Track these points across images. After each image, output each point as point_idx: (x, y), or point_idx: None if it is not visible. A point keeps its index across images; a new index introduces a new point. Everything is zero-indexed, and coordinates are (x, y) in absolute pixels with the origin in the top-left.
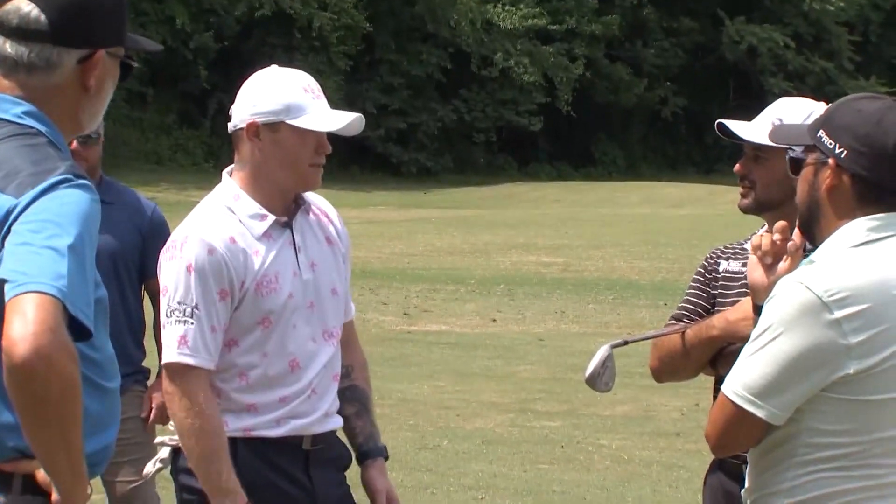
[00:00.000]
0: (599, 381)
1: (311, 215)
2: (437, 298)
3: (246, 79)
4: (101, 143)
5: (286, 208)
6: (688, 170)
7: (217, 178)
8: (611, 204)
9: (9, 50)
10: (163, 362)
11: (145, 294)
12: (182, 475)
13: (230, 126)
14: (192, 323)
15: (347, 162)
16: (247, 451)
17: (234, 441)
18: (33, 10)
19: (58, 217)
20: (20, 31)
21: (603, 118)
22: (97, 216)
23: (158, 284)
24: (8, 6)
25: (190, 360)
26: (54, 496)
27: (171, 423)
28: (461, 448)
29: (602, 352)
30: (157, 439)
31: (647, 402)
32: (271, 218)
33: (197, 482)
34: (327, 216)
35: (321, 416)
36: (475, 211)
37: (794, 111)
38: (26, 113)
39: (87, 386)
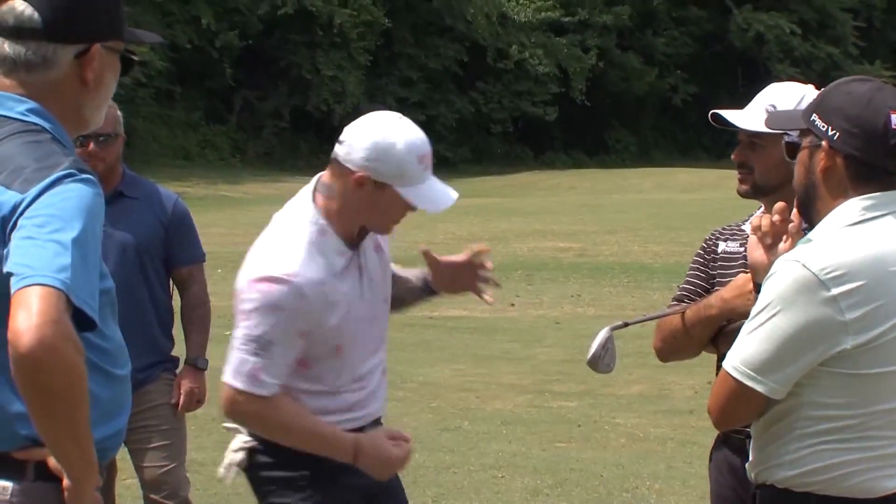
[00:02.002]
0: (601, 362)
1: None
2: None
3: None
4: (122, 140)
5: (356, 235)
6: (699, 155)
7: (244, 173)
8: (625, 190)
9: (7, 50)
10: (228, 383)
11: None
12: (266, 470)
13: (340, 155)
14: (267, 359)
15: None
16: None
17: None
18: (27, 9)
19: (62, 211)
20: (16, 31)
21: (616, 107)
22: (101, 209)
23: (184, 273)
24: (3, 7)
25: (259, 392)
26: (66, 482)
27: (229, 424)
28: (481, 429)
29: (603, 334)
30: (234, 445)
31: (662, 382)
32: (350, 254)
33: (285, 472)
34: None
35: (375, 409)
36: (493, 199)
37: (786, 96)
38: (30, 110)
39: (97, 374)
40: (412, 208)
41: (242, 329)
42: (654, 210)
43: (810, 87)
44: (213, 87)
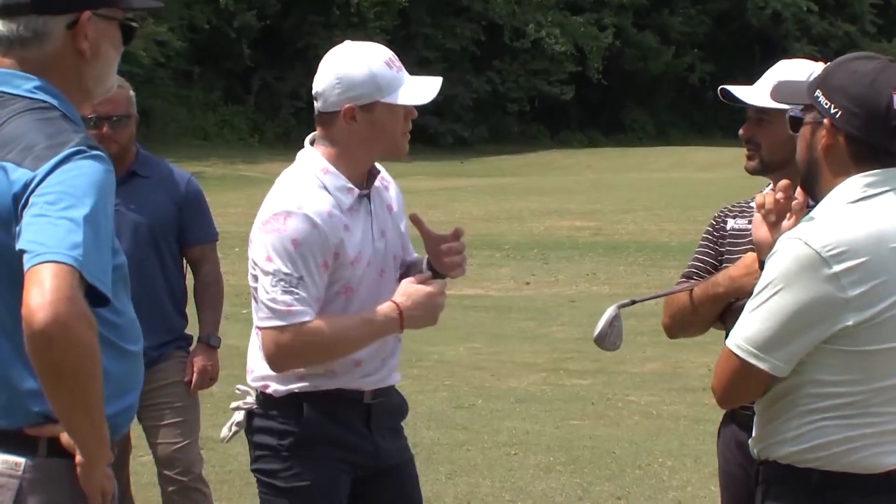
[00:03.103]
0: (607, 340)
1: (379, 184)
2: (474, 264)
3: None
4: (135, 120)
5: (362, 178)
6: (715, 134)
7: (262, 153)
8: (641, 169)
9: (1, 29)
10: (267, 326)
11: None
12: (257, 435)
13: (319, 108)
14: (298, 293)
15: None
16: (310, 405)
17: (297, 396)
18: None
19: (73, 188)
20: (5, 8)
21: (632, 86)
22: (112, 185)
23: (197, 252)
24: None
25: (300, 319)
26: (78, 457)
27: (240, 386)
28: (495, 406)
29: (609, 312)
30: (233, 404)
31: (676, 360)
32: (356, 191)
33: (272, 439)
34: (385, 183)
35: (385, 373)
36: (510, 179)
37: (795, 73)
38: (38, 88)
39: (109, 349)
40: (410, 113)
41: (266, 274)
42: (670, 189)
43: (820, 64)
44: (231, 67)
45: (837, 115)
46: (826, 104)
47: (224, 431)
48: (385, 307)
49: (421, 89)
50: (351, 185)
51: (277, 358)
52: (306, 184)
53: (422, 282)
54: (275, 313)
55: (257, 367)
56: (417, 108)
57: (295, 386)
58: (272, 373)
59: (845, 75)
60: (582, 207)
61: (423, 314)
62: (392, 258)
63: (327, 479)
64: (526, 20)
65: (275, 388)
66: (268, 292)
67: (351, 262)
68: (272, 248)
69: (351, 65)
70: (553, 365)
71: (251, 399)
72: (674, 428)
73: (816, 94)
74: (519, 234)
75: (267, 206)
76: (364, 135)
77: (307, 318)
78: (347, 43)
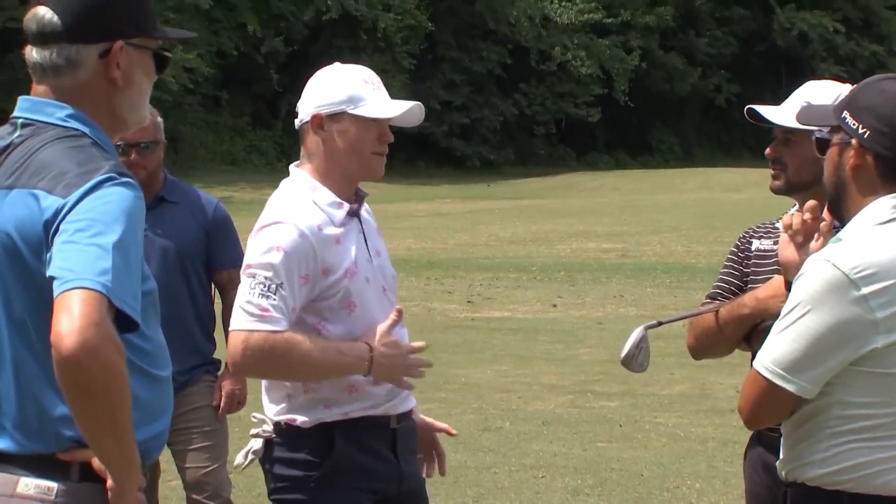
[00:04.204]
0: (634, 361)
1: (365, 211)
2: (500, 286)
3: None
4: (163, 146)
5: (350, 198)
6: (743, 154)
7: None
8: (668, 190)
9: (35, 56)
10: (238, 327)
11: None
12: (276, 465)
13: (297, 122)
14: (275, 300)
15: (413, 157)
16: (340, 435)
17: (327, 426)
18: (47, 13)
19: (102, 215)
20: (40, 36)
21: (659, 107)
22: (142, 212)
23: (224, 277)
24: (28, 15)
25: (273, 327)
26: (109, 482)
27: (256, 414)
28: (522, 429)
29: (637, 333)
30: (252, 431)
31: (703, 381)
32: (346, 206)
33: (297, 471)
34: (368, 210)
35: (406, 394)
36: (536, 201)
37: (822, 94)
38: (70, 116)
39: (138, 375)
40: (383, 134)
41: (247, 277)
42: (697, 210)
43: (847, 86)
44: (259, 92)
45: (866, 136)
46: (854, 125)
47: (239, 458)
48: (359, 347)
49: (390, 107)
50: (340, 200)
51: (241, 361)
52: (297, 199)
53: (405, 346)
54: (250, 315)
55: (278, 402)
56: (442, 131)
57: (324, 415)
58: (298, 405)
59: (873, 95)
60: (609, 229)
61: (393, 370)
62: (391, 277)
63: None
64: (552, 43)
65: (303, 419)
66: (246, 295)
67: (345, 272)
68: (257, 254)
69: (326, 79)
70: (580, 387)
71: (269, 427)
72: (702, 450)
73: (843, 115)
74: (545, 256)
75: (259, 219)
76: (332, 147)
77: (280, 328)
78: (334, 64)
